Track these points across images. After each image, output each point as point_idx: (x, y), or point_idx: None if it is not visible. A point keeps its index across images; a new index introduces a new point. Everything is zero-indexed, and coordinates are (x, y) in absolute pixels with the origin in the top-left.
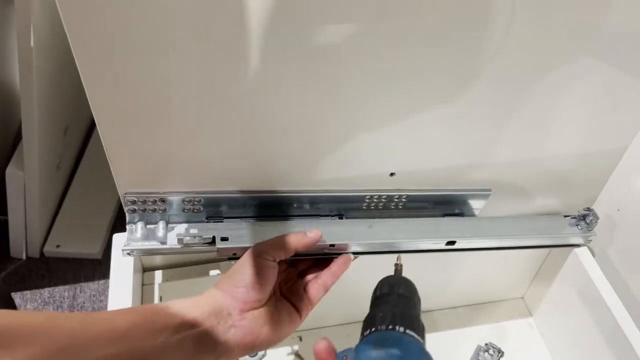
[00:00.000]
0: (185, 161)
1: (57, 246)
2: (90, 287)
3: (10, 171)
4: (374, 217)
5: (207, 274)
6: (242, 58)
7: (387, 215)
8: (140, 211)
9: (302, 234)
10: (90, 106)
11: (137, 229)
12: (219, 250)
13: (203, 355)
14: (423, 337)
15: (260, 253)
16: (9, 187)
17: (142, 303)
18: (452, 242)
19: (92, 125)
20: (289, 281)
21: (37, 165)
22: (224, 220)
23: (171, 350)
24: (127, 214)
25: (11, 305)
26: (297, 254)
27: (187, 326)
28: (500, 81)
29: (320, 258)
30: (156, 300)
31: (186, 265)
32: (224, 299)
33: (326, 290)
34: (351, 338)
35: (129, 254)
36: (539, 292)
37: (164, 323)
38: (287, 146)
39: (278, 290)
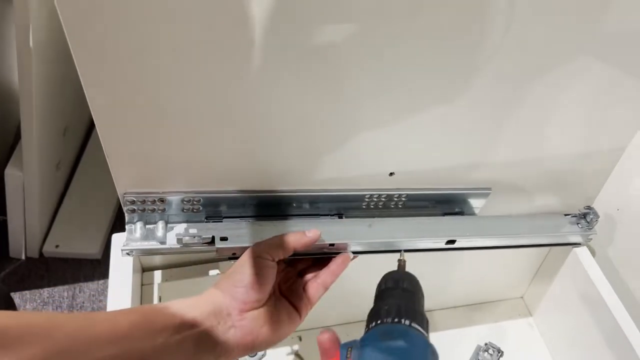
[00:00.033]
0: (184, 161)
1: (56, 246)
2: (89, 287)
3: (9, 171)
4: (373, 217)
5: (206, 273)
6: (241, 58)
7: (387, 215)
8: (139, 211)
9: (301, 233)
10: (89, 106)
11: (136, 229)
12: (218, 250)
13: (203, 355)
14: (427, 331)
15: (259, 253)
16: (8, 187)
17: (141, 303)
18: (452, 241)
19: (91, 125)
20: (288, 281)
21: (36, 165)
22: (224, 220)
23: (171, 350)
24: (126, 214)
25: (11, 306)
26: (296, 254)
27: (187, 326)
28: (499, 80)
29: (320, 257)
30: (155, 300)
31: (185, 265)
32: (224, 299)
33: (325, 289)
34: (351, 338)
35: (128, 254)
36: (539, 291)
37: (164, 323)
38: (287, 146)
39: (277, 289)
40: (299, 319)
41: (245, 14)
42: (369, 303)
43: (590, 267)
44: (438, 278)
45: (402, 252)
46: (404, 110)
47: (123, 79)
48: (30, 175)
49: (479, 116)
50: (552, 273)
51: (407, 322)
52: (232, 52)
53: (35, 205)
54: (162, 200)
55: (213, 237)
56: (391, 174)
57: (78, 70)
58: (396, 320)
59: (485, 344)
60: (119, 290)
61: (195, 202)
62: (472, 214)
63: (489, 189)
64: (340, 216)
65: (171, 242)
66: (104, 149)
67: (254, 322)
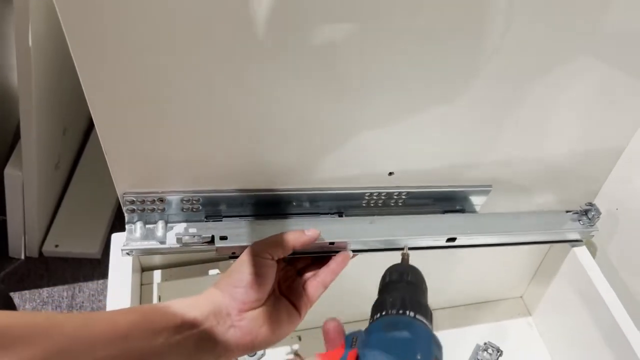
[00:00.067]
0: (183, 160)
1: (56, 246)
2: (89, 287)
3: (9, 171)
4: (373, 215)
5: (206, 273)
6: (241, 58)
7: (387, 213)
8: (139, 211)
9: (300, 232)
10: (89, 106)
11: (136, 228)
12: (218, 249)
13: (203, 355)
14: (431, 323)
15: (258, 252)
16: (7, 187)
17: (141, 303)
18: (453, 239)
19: (90, 125)
20: (288, 279)
21: (36, 165)
22: (223, 219)
23: (171, 350)
24: (125, 214)
25: (11, 305)
26: (295, 252)
27: (187, 326)
28: (499, 80)
29: (319, 256)
30: (155, 299)
31: (185, 264)
32: (223, 298)
33: (325, 287)
34: None
35: (128, 253)
36: (538, 291)
37: (164, 323)
38: (287, 145)
39: (277, 288)
40: (299, 317)
41: (245, 13)
42: (369, 302)
43: (590, 266)
44: (437, 277)
45: (406, 245)
46: (404, 110)
47: (122, 78)
48: (29, 175)
49: (479, 116)
50: (551, 273)
51: (412, 314)
52: (232, 52)
53: (35, 204)
54: (161, 200)
55: (213, 237)
56: (390, 173)
57: (77, 70)
58: (401, 311)
59: (485, 344)
60: (119, 290)
61: (194, 202)
62: (473, 211)
63: (490, 186)
64: (340, 214)
65: (171, 241)
66: (103, 148)
67: (253, 321)
